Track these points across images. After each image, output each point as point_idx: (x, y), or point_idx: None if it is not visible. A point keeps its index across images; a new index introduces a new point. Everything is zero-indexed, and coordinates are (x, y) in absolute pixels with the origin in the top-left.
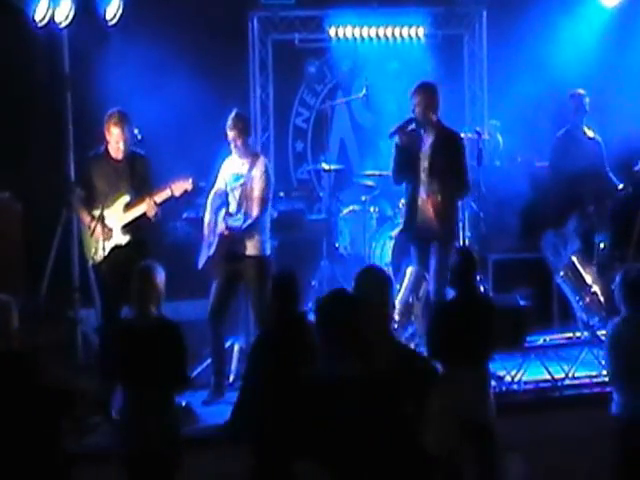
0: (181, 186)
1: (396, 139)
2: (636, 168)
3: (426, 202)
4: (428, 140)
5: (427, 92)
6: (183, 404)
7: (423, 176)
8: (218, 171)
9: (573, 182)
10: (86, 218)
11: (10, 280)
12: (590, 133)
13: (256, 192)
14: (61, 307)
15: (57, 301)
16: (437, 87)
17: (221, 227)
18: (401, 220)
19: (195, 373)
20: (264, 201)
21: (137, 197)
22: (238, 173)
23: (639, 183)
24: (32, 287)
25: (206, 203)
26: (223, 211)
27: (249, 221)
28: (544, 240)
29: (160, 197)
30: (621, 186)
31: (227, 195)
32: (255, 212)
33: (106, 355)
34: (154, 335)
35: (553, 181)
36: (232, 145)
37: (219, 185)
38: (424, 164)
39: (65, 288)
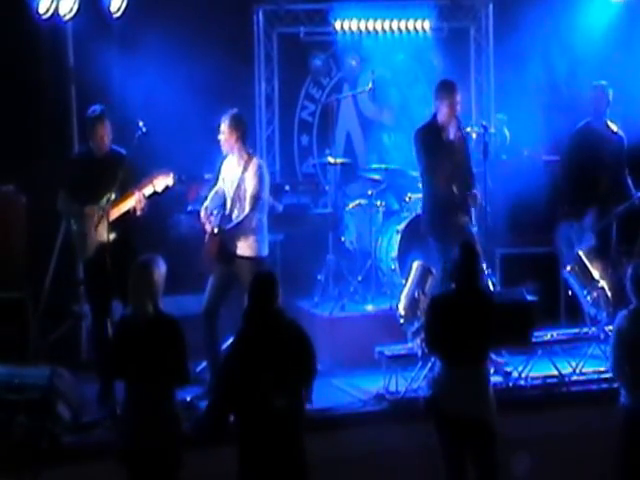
0: (162, 181)
1: None
2: None
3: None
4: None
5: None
6: (188, 399)
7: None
8: (219, 171)
9: (594, 177)
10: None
11: (14, 273)
12: (614, 127)
13: (249, 191)
14: (65, 301)
15: (61, 295)
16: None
17: (209, 226)
18: None
19: (199, 368)
20: (257, 199)
21: (122, 194)
22: (234, 175)
23: None
24: (36, 281)
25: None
26: (215, 212)
27: (240, 218)
28: (559, 232)
29: (146, 192)
30: None
31: (225, 196)
32: (247, 209)
33: (100, 351)
34: (152, 331)
35: (568, 174)
36: (225, 148)
37: (219, 185)
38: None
39: (69, 282)
